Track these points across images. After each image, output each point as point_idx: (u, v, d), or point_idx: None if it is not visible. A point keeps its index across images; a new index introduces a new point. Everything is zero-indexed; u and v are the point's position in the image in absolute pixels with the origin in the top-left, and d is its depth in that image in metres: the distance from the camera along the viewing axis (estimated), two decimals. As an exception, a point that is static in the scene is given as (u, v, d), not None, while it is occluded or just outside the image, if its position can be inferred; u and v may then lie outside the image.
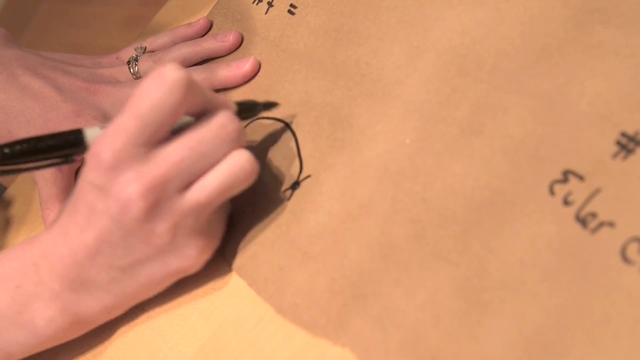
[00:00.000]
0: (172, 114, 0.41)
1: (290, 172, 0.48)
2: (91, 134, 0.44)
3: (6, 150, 0.42)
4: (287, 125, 0.50)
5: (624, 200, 0.37)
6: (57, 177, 0.55)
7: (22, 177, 0.64)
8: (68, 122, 0.54)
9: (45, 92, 0.55)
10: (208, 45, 0.57)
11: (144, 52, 0.59)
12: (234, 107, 0.46)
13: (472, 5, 0.47)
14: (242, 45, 0.56)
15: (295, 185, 0.47)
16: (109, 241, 0.42)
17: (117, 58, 0.60)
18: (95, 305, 0.45)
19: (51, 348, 0.47)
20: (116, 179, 0.41)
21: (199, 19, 0.59)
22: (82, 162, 0.50)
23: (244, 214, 0.47)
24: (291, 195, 0.47)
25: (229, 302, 0.45)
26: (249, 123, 0.52)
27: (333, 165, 0.46)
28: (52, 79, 0.56)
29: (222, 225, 0.46)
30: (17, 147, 0.43)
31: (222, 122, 0.43)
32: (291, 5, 0.55)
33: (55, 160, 0.44)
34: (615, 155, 0.38)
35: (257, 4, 0.57)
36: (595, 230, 0.37)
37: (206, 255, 0.44)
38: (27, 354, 0.46)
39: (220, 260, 0.46)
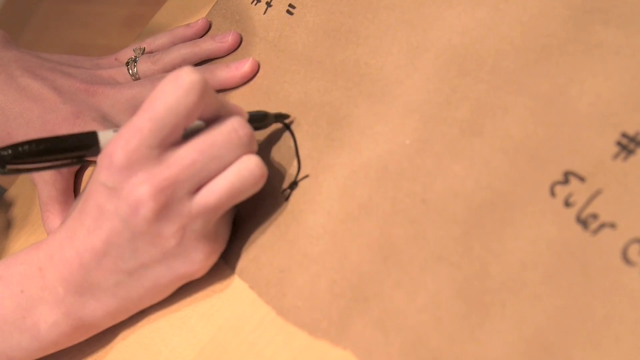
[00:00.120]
0: (186, 117, 0.41)
1: (289, 172, 0.48)
2: (104, 136, 0.44)
3: (10, 151, 0.42)
4: (286, 125, 0.49)
5: (625, 201, 0.36)
6: (56, 179, 0.55)
7: (22, 179, 0.64)
8: (67, 124, 0.54)
9: (44, 93, 0.55)
10: (207, 46, 0.56)
11: (142, 53, 0.59)
12: (246, 115, 0.46)
13: (472, 5, 0.46)
14: (241, 46, 0.56)
15: (294, 185, 0.47)
16: (116, 243, 0.42)
17: (115, 59, 0.60)
18: (100, 310, 0.45)
19: (53, 353, 0.47)
20: (128, 180, 0.41)
21: (197, 19, 0.59)
22: (82, 164, 0.50)
23: (243, 215, 0.47)
24: (289, 195, 0.47)
25: (229, 305, 0.45)
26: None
27: (332, 166, 0.46)
28: (51, 80, 0.56)
29: (228, 230, 0.46)
30: (34, 147, 0.43)
31: (233, 127, 0.43)
32: (290, 5, 0.55)
33: (65, 162, 0.45)
34: (616, 156, 0.38)
35: (255, 4, 0.57)
36: (596, 231, 0.37)
37: (212, 260, 0.45)
38: (30, 359, 0.46)
39: (220, 263, 0.46)
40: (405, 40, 0.48)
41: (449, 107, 0.44)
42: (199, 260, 0.44)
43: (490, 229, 0.39)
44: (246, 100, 0.53)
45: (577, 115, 0.40)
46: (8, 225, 0.61)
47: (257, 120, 0.48)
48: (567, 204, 0.38)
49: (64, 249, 0.44)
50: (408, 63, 0.47)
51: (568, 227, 0.37)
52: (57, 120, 0.54)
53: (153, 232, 0.42)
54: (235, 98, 0.54)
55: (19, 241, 0.59)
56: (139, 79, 0.57)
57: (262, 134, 0.50)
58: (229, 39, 0.56)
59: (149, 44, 0.59)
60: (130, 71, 0.58)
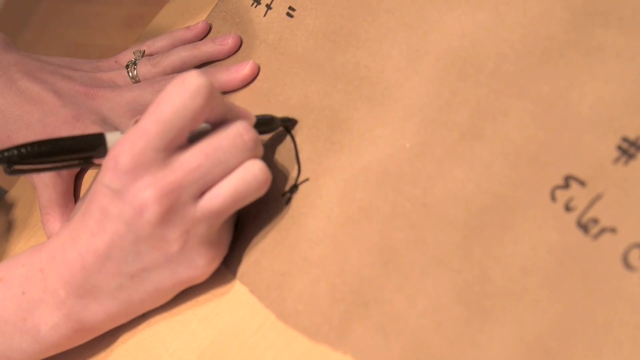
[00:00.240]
0: (193, 120, 0.42)
1: (289, 176, 0.47)
2: (112, 138, 0.44)
3: (19, 152, 0.42)
4: (286, 129, 0.49)
5: (626, 206, 0.36)
6: (56, 182, 0.55)
7: (22, 181, 0.64)
8: (67, 127, 0.54)
9: (44, 96, 0.55)
10: (207, 48, 0.56)
11: (142, 56, 0.59)
12: (253, 119, 0.46)
13: (472, 8, 0.46)
14: (241, 49, 0.56)
15: (294, 188, 0.47)
16: (119, 246, 0.42)
17: (115, 62, 0.60)
18: (101, 313, 0.45)
19: (53, 356, 0.47)
20: (133, 183, 0.41)
21: (197, 22, 0.59)
22: (83, 167, 0.50)
23: (244, 219, 0.47)
24: (290, 199, 0.47)
25: (229, 309, 0.45)
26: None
27: (332, 169, 0.46)
28: (50, 83, 0.56)
29: (230, 235, 0.46)
30: (42, 148, 0.43)
31: (239, 131, 0.43)
32: (290, 7, 0.55)
33: (72, 163, 0.45)
34: (616, 160, 0.38)
35: (255, 6, 0.57)
36: (597, 236, 0.37)
37: (214, 266, 0.45)
38: (29, 362, 0.46)
39: (220, 267, 0.46)
40: (405, 43, 0.48)
41: (449, 110, 0.44)
42: (201, 265, 0.44)
43: (491, 234, 0.39)
44: (246, 103, 0.53)
45: (578, 119, 0.40)
46: (8, 227, 0.61)
47: (264, 124, 0.48)
48: (568, 208, 0.38)
49: (67, 251, 0.44)
50: (408, 66, 0.47)
51: (568, 232, 0.37)
52: (57, 124, 0.54)
53: (157, 236, 0.42)
54: (235, 101, 0.53)
55: (19, 244, 0.59)
56: (138, 81, 0.57)
57: (263, 137, 0.50)
58: (229, 42, 0.56)
59: (148, 46, 0.59)
60: (130, 74, 0.58)
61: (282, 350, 0.42)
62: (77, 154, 0.44)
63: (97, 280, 0.44)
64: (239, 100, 0.53)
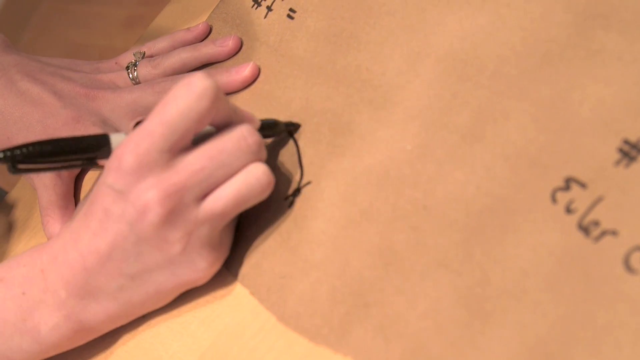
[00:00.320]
0: (198, 122, 0.42)
1: (292, 179, 0.47)
2: (116, 139, 0.44)
3: (24, 150, 0.42)
4: (289, 133, 0.49)
5: (627, 208, 0.36)
6: (56, 183, 0.55)
7: (22, 182, 0.64)
8: (67, 128, 0.54)
9: (44, 98, 0.55)
10: (207, 50, 0.56)
11: (142, 57, 0.59)
12: (258, 123, 0.46)
13: (473, 10, 0.46)
14: (242, 50, 0.56)
15: (296, 192, 0.47)
16: (121, 247, 0.42)
17: (116, 63, 0.60)
18: (101, 314, 0.45)
19: (53, 356, 0.47)
20: (136, 184, 0.41)
21: (198, 23, 0.59)
22: (84, 167, 0.49)
23: (245, 221, 0.47)
24: (292, 202, 0.47)
25: (229, 311, 0.45)
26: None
27: (334, 172, 0.46)
28: (51, 84, 0.56)
29: (231, 237, 0.46)
30: (46, 147, 0.43)
31: (242, 134, 0.43)
32: (290, 9, 0.55)
33: (75, 163, 0.45)
34: (617, 163, 0.38)
35: (256, 8, 0.57)
36: (598, 238, 0.37)
37: (216, 268, 0.45)
38: (29, 362, 0.46)
39: (221, 269, 0.46)
40: (407, 45, 0.48)
41: (450, 112, 0.44)
42: (202, 267, 0.44)
43: (491, 236, 0.39)
44: (247, 105, 0.53)
45: (579, 122, 0.40)
46: (9, 228, 0.61)
47: (268, 128, 0.48)
48: (569, 210, 0.38)
49: (68, 251, 0.44)
50: (409, 69, 0.47)
51: (569, 234, 0.37)
52: (57, 125, 0.54)
53: (159, 237, 0.42)
54: (236, 103, 0.53)
55: (20, 245, 0.59)
56: (139, 83, 0.57)
57: (265, 141, 0.50)
58: (230, 43, 0.56)
59: (149, 47, 0.59)
60: (131, 75, 0.57)
61: (282, 352, 0.42)
62: (81, 155, 0.44)
63: (98, 281, 0.43)
64: (239, 102, 0.53)
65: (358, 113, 0.47)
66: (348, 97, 0.48)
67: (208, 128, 0.44)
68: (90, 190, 0.45)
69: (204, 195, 0.42)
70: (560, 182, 0.39)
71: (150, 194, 0.41)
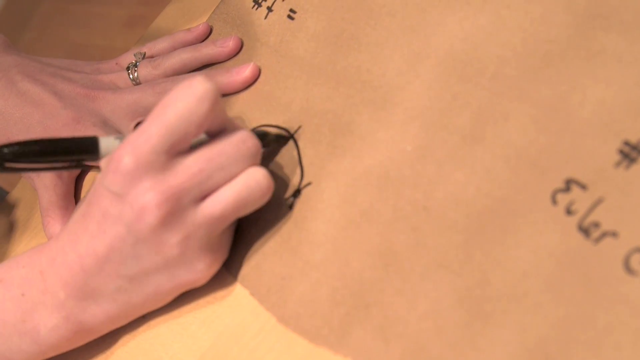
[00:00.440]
0: (197, 126, 0.41)
1: (292, 180, 0.47)
2: (105, 142, 0.44)
3: (11, 149, 0.42)
4: (289, 133, 0.49)
5: (627, 210, 0.36)
6: (57, 184, 0.55)
7: (23, 182, 0.64)
8: (67, 129, 0.54)
9: (45, 98, 0.55)
10: (208, 50, 0.56)
11: (143, 58, 0.59)
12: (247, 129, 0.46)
13: (474, 11, 0.46)
14: (242, 51, 0.56)
15: (297, 193, 0.47)
16: (119, 249, 0.42)
17: (116, 64, 0.60)
18: (100, 315, 0.45)
19: (53, 357, 0.47)
20: (134, 186, 0.41)
21: (198, 24, 0.59)
22: (82, 169, 0.49)
23: (246, 222, 0.47)
24: (293, 203, 0.47)
25: (229, 311, 0.45)
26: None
27: (334, 173, 0.46)
28: (51, 85, 0.56)
29: (230, 238, 0.46)
30: (33, 147, 0.43)
31: (242, 137, 0.43)
32: (291, 10, 0.55)
33: (64, 164, 0.44)
34: (618, 164, 0.38)
35: (256, 9, 0.57)
36: (598, 240, 0.36)
37: (214, 269, 0.45)
38: (29, 363, 0.46)
39: (221, 270, 0.46)
40: (407, 46, 0.48)
41: (451, 113, 0.44)
42: (201, 269, 0.44)
43: (492, 237, 0.39)
44: (248, 105, 0.53)
45: (579, 123, 0.40)
46: (9, 228, 0.61)
47: (257, 138, 0.47)
48: (569, 212, 0.38)
49: (67, 252, 0.44)
50: (409, 69, 0.47)
51: (570, 236, 0.37)
52: (57, 126, 0.54)
53: (156, 240, 0.42)
54: (236, 103, 0.53)
55: (20, 245, 0.59)
56: (139, 83, 0.57)
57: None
58: (230, 44, 0.56)
59: (149, 48, 0.59)
60: (131, 76, 0.57)
61: (282, 353, 0.42)
62: (69, 156, 0.44)
63: (97, 283, 0.43)
64: (240, 102, 0.53)
65: (358, 114, 0.47)
66: (348, 97, 0.48)
67: (202, 136, 0.44)
68: (89, 191, 0.45)
69: (203, 198, 0.42)
70: (560, 184, 0.39)
71: (148, 196, 0.41)
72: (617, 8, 0.42)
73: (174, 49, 0.58)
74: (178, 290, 0.45)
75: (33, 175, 0.57)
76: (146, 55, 0.59)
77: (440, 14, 0.48)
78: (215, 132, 0.44)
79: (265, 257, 0.45)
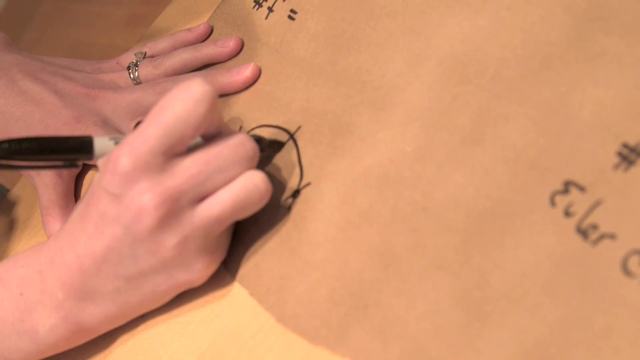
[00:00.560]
0: (195, 128, 0.41)
1: (291, 180, 0.47)
2: (99, 142, 0.44)
3: (5, 146, 0.42)
4: (288, 133, 0.49)
5: (625, 212, 0.36)
6: (57, 182, 0.55)
7: (24, 181, 0.64)
8: (68, 128, 0.54)
9: (46, 97, 0.55)
10: (208, 50, 0.56)
11: (144, 57, 0.59)
12: (244, 133, 0.46)
13: (474, 13, 0.46)
14: (243, 51, 0.56)
15: (296, 193, 0.47)
16: (117, 250, 0.42)
17: (117, 63, 0.60)
18: (98, 315, 0.45)
19: (52, 356, 0.47)
20: (131, 187, 0.41)
21: (199, 24, 0.59)
22: (80, 168, 0.49)
23: (245, 222, 0.47)
24: (292, 203, 0.47)
25: (228, 311, 0.45)
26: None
27: (334, 173, 0.46)
28: (52, 84, 0.56)
29: (229, 239, 0.46)
30: (26, 145, 0.43)
31: (240, 141, 0.43)
32: (291, 10, 0.55)
33: (58, 163, 0.44)
34: (616, 167, 0.38)
35: (257, 9, 0.57)
36: (596, 242, 0.37)
37: (212, 270, 0.45)
38: (27, 362, 0.46)
39: (220, 269, 0.46)
40: (407, 47, 0.48)
41: (450, 115, 0.44)
42: (198, 269, 0.44)
43: (490, 238, 0.39)
44: (248, 105, 0.53)
45: (578, 125, 0.40)
46: (10, 226, 0.61)
47: None
48: (567, 213, 0.38)
49: (65, 253, 0.44)
50: (410, 70, 0.47)
51: (568, 237, 0.37)
52: (58, 125, 0.54)
53: (154, 241, 0.42)
54: (237, 104, 0.54)
55: (20, 243, 0.59)
56: (140, 83, 0.57)
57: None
58: (231, 44, 0.56)
59: (150, 48, 0.59)
60: (132, 75, 0.58)
61: (281, 353, 0.42)
62: (63, 155, 0.44)
63: (95, 283, 0.44)
64: (240, 102, 0.54)
65: (358, 114, 0.47)
66: (348, 98, 0.48)
67: (198, 140, 0.44)
68: (87, 191, 0.45)
69: (201, 200, 0.42)
70: (559, 186, 0.39)
71: (146, 197, 0.41)
72: (617, 10, 0.42)
73: (175, 48, 0.59)
74: (176, 290, 0.45)
75: (33, 173, 0.57)
76: (147, 54, 0.59)
77: (440, 15, 0.48)
78: (211, 135, 0.44)
79: (265, 257, 0.46)
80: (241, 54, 0.56)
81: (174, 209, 0.41)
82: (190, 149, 0.43)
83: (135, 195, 0.41)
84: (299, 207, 0.46)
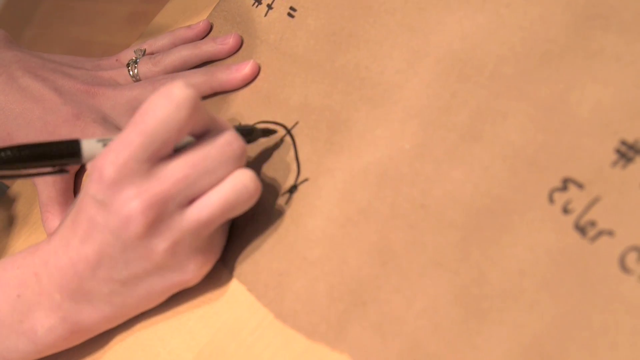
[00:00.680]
0: (177, 132, 0.41)
1: (288, 176, 0.48)
2: (87, 145, 0.44)
3: (2, 155, 0.42)
4: (286, 129, 0.49)
5: (623, 209, 0.36)
6: (56, 180, 0.55)
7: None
8: (67, 125, 0.54)
9: (45, 94, 0.55)
10: (208, 47, 0.56)
11: (143, 55, 0.59)
12: (233, 129, 0.46)
13: (473, 10, 0.46)
14: (242, 48, 0.56)
15: (293, 188, 0.47)
16: (109, 255, 0.42)
17: (116, 60, 0.60)
18: (96, 316, 0.45)
19: (50, 354, 0.47)
20: (118, 194, 0.41)
21: (199, 21, 0.59)
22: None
23: (243, 218, 0.47)
24: (289, 199, 0.47)
25: (227, 307, 0.45)
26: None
27: (332, 170, 0.46)
28: (51, 81, 0.56)
29: (224, 238, 0.46)
30: (8, 153, 0.42)
31: (227, 140, 0.43)
32: (291, 8, 0.55)
33: (47, 170, 0.44)
34: (614, 164, 0.38)
35: (256, 6, 0.57)
36: (594, 238, 0.37)
37: (206, 269, 0.45)
38: (26, 361, 0.46)
39: (218, 266, 0.46)
40: (406, 44, 0.48)
41: (449, 112, 0.44)
42: (192, 270, 0.44)
43: (489, 235, 0.39)
44: (246, 103, 0.53)
45: (577, 122, 0.40)
46: (9, 223, 0.61)
47: (244, 134, 0.47)
48: (566, 210, 0.38)
49: (59, 256, 0.44)
50: (408, 67, 0.47)
51: (566, 234, 0.37)
52: (57, 122, 0.54)
53: (144, 247, 0.42)
54: (235, 100, 0.54)
55: (20, 240, 0.60)
56: (139, 80, 0.57)
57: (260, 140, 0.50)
58: (230, 41, 0.56)
59: (149, 45, 0.59)
60: (131, 72, 0.58)
61: (279, 349, 0.42)
62: (50, 161, 0.43)
63: (90, 286, 0.44)
64: (239, 99, 0.54)
65: (356, 111, 0.48)
66: (347, 95, 0.48)
67: (188, 138, 0.43)
68: (78, 195, 0.44)
69: (190, 202, 0.42)
70: (557, 183, 0.39)
71: (133, 204, 0.41)
72: (616, 8, 0.42)
73: (174, 46, 0.59)
74: (171, 290, 0.45)
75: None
76: (146, 52, 0.59)
77: (439, 13, 0.48)
78: (199, 134, 0.43)
79: (263, 253, 0.46)
80: (240, 51, 0.56)
81: (162, 213, 0.41)
82: (179, 149, 0.43)
83: (122, 203, 0.41)
84: (297, 204, 0.46)
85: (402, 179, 0.44)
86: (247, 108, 0.52)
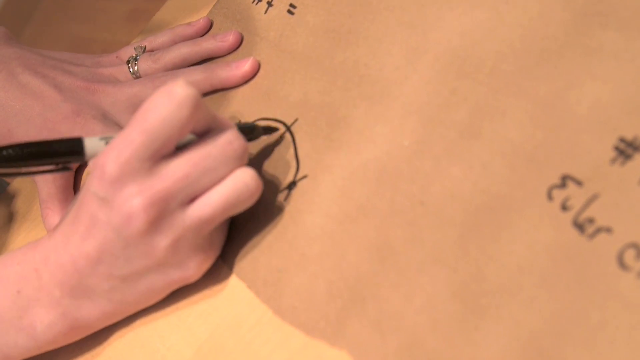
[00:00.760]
0: (179, 130, 0.41)
1: (287, 172, 0.48)
2: (90, 143, 0.44)
3: (4, 153, 0.42)
4: (285, 126, 0.50)
5: (622, 206, 0.36)
6: (56, 176, 0.55)
7: (23, 174, 0.64)
8: (67, 122, 0.54)
9: (45, 91, 0.55)
10: (208, 45, 0.56)
11: (143, 52, 0.59)
12: (234, 128, 0.46)
13: (472, 7, 0.46)
14: (242, 45, 0.56)
15: (292, 185, 0.47)
16: (110, 252, 0.42)
17: (116, 57, 0.60)
18: (95, 312, 0.45)
19: (50, 350, 0.47)
20: (120, 192, 0.41)
21: (199, 18, 0.59)
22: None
23: (242, 215, 0.47)
24: (288, 195, 0.47)
25: (226, 304, 0.45)
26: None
27: (331, 166, 0.46)
28: (51, 78, 0.56)
29: (223, 235, 0.46)
30: (10, 152, 0.42)
31: (228, 139, 0.43)
32: (290, 5, 0.55)
33: (50, 167, 0.44)
34: (613, 161, 0.38)
35: (256, 3, 0.57)
36: (592, 235, 0.37)
37: (207, 266, 0.45)
38: (25, 357, 0.46)
39: (218, 262, 0.46)
40: (405, 41, 0.48)
41: (448, 109, 0.44)
42: (192, 267, 0.44)
43: (487, 232, 0.40)
44: (246, 100, 0.53)
45: (576, 119, 0.40)
46: (9, 219, 0.61)
47: (245, 132, 0.47)
48: (564, 207, 0.38)
49: (59, 253, 0.44)
50: (407, 64, 0.47)
51: (564, 231, 0.38)
52: (57, 118, 0.54)
53: (146, 244, 0.42)
54: (235, 98, 0.54)
55: (19, 236, 0.60)
56: (139, 77, 0.57)
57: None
58: (230, 38, 0.56)
59: (150, 42, 0.59)
60: (131, 69, 0.58)
61: (278, 346, 0.42)
62: (53, 159, 0.43)
63: (90, 282, 0.44)
64: (239, 96, 0.54)
65: (355, 108, 0.48)
66: (346, 91, 0.49)
67: (190, 136, 0.44)
68: (79, 191, 0.44)
69: (191, 200, 0.42)
70: (556, 180, 0.39)
71: (135, 201, 0.41)
72: (615, 5, 0.42)
73: (174, 42, 0.59)
74: (171, 287, 0.45)
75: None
76: (146, 49, 0.59)
77: (438, 9, 0.48)
78: (201, 132, 0.43)
79: (262, 250, 0.46)
80: (240, 48, 0.56)
81: (164, 211, 0.41)
82: (181, 146, 0.43)
83: (124, 200, 0.41)
84: (296, 200, 0.46)
85: (401, 176, 0.44)
86: (247, 105, 0.52)
